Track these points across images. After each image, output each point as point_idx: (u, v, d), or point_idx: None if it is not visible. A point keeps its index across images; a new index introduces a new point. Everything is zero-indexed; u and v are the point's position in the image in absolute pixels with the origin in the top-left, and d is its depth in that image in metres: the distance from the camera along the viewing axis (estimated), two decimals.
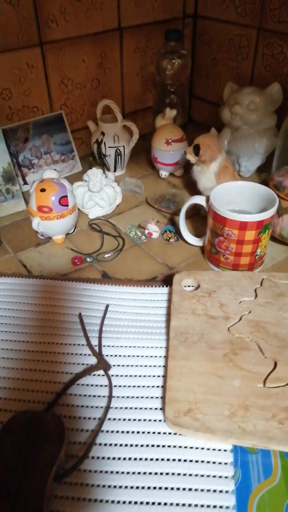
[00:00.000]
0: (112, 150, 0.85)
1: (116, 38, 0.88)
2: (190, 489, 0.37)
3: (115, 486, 0.38)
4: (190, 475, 0.38)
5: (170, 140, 0.82)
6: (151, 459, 0.40)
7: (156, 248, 0.70)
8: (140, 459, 0.40)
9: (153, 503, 0.37)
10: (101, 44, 0.86)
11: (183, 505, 0.37)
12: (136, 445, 0.41)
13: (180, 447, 0.40)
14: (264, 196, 0.63)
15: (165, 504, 0.37)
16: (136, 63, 0.93)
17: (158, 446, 0.41)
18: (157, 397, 0.45)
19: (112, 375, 0.47)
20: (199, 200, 0.65)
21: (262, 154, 0.84)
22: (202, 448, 0.40)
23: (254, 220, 0.58)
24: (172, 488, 0.38)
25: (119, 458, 0.40)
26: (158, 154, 0.84)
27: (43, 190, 0.65)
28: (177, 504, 0.37)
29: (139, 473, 0.39)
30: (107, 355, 0.49)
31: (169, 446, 0.41)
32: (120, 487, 0.38)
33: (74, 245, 0.71)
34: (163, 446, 0.41)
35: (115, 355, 0.49)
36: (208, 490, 0.37)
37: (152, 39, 0.93)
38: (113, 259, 0.68)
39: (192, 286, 0.58)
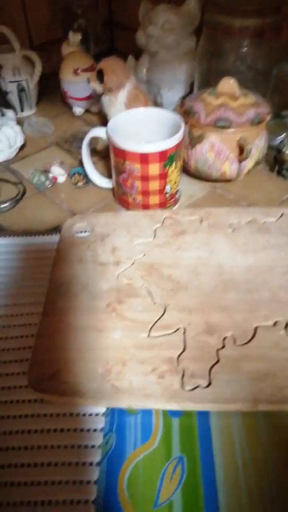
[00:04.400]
0: (13, 86, 0.74)
1: None
2: (49, 464, 0.31)
3: None
4: (52, 447, 0.32)
5: (78, 70, 0.72)
6: (17, 432, 0.33)
7: (63, 194, 0.62)
8: (5, 433, 0.34)
9: (5, 484, 0.31)
10: None
11: (39, 483, 0.31)
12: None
13: (45, 415, 0.34)
14: (171, 124, 0.55)
15: (19, 484, 0.31)
16: None
17: (20, 416, 0.34)
18: (27, 360, 0.38)
19: None
20: (99, 132, 0.56)
21: (184, 82, 0.75)
22: (71, 415, 0.34)
23: (155, 150, 0.50)
24: (29, 465, 0.32)
25: None
26: (67, 87, 0.74)
27: None
28: (32, 483, 0.31)
29: None
30: None
31: (32, 416, 0.34)
32: None
33: None
34: (26, 416, 0.34)
35: None
36: (70, 464, 0.31)
37: None
38: (10, 209, 0.59)
39: (88, 232, 0.51)
